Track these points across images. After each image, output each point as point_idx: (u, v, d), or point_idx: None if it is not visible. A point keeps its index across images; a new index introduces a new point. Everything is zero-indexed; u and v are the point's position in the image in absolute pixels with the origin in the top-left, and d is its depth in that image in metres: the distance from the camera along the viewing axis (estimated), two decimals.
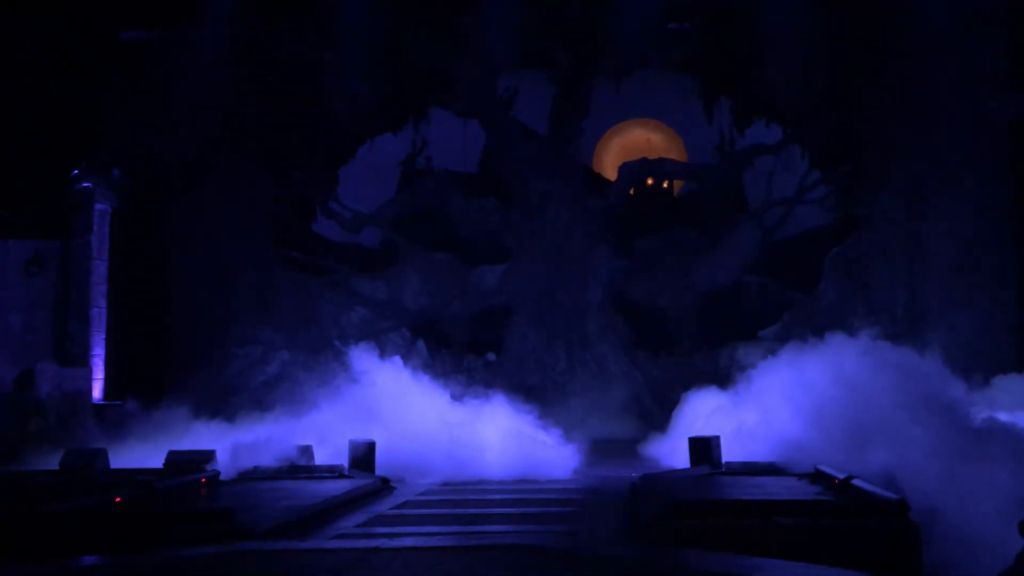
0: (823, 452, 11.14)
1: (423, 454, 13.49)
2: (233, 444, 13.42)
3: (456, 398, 15.09)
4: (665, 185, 22.49)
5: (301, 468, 12.85)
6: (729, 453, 12.83)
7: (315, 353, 20.09)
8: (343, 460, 13.18)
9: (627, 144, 22.74)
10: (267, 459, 12.93)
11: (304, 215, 21.55)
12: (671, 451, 14.52)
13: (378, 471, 13.00)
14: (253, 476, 12.56)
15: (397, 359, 15.56)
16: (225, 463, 12.89)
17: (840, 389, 11.91)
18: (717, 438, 13.00)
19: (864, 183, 20.65)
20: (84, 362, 18.79)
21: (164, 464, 12.91)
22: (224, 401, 18.19)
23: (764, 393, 13.43)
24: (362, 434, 13.52)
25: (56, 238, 19.40)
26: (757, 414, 13.41)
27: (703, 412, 14.97)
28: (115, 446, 14.53)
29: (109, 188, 19.83)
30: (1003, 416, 12.52)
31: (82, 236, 19.43)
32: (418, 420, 14.22)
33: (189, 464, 12.77)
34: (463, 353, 21.08)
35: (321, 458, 13.38)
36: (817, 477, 10.87)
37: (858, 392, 11.68)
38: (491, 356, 21.04)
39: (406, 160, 21.89)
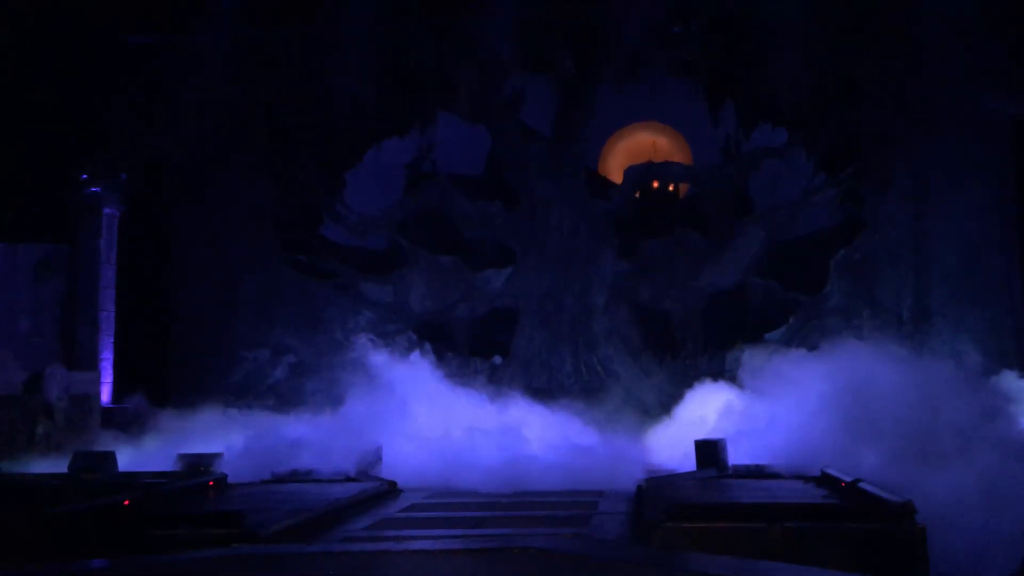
0: (851, 458, 10.86)
1: (458, 464, 12.68)
2: (247, 449, 13.35)
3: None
4: (671, 188, 22.50)
5: (307, 472, 12.81)
6: (739, 453, 12.79)
7: (322, 356, 20.15)
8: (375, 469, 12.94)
9: (632, 147, 22.73)
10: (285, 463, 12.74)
11: (310, 218, 21.59)
12: (678, 453, 14.43)
13: (408, 483, 12.60)
14: (262, 480, 12.58)
15: (416, 354, 15.42)
16: (241, 466, 12.77)
17: (883, 395, 11.70)
18: (723, 440, 12.99)
19: (869, 185, 20.65)
20: (92, 365, 18.87)
21: (172, 467, 12.97)
22: (232, 404, 18.24)
23: (784, 392, 13.30)
24: (387, 439, 13.24)
25: (64, 242, 19.51)
26: (773, 413, 13.30)
27: (711, 411, 14.85)
28: (123, 449, 14.60)
29: (117, 192, 19.93)
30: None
31: (90, 240, 19.54)
32: (453, 426, 13.58)
33: (197, 467, 12.82)
34: (469, 356, 21.10)
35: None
36: (824, 480, 10.86)
37: (904, 402, 11.45)
38: (497, 359, 21.06)
39: (412, 163, 21.91)
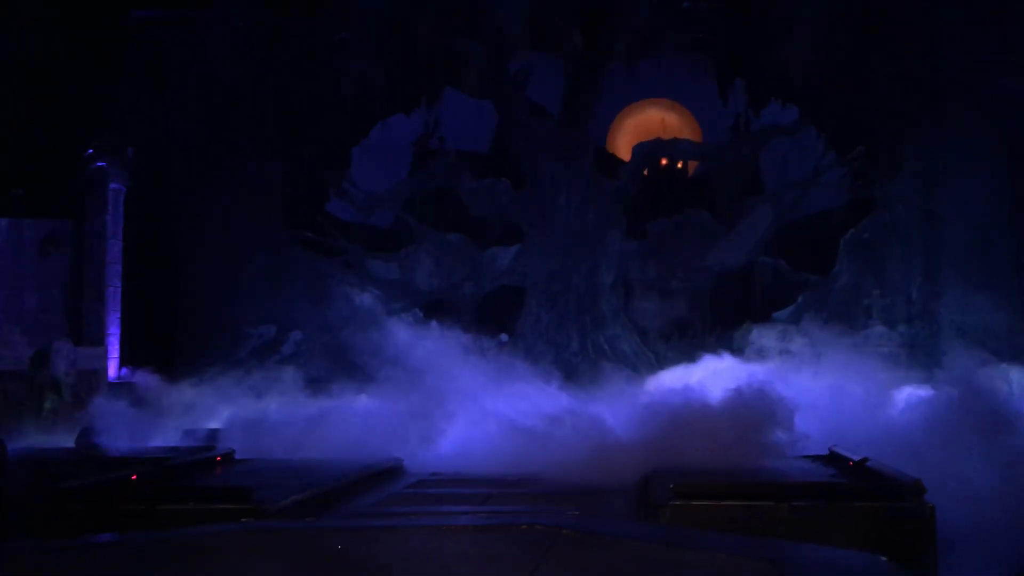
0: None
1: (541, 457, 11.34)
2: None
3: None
4: (679, 166, 22.37)
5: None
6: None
7: (329, 332, 20.16)
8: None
9: (641, 125, 22.56)
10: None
11: (316, 196, 21.52)
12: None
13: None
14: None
15: (434, 324, 15.26)
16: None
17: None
18: None
19: (879, 165, 20.53)
20: (99, 341, 18.91)
21: (179, 442, 13.01)
22: (238, 380, 18.27)
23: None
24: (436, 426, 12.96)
25: (71, 217, 19.50)
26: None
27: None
28: (130, 424, 14.63)
29: (123, 168, 19.89)
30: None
31: (97, 215, 19.51)
32: (512, 409, 12.88)
33: (204, 441, 12.85)
34: (475, 334, 21.04)
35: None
36: (831, 459, 10.84)
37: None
38: (504, 337, 21.02)
39: (419, 140, 21.80)
